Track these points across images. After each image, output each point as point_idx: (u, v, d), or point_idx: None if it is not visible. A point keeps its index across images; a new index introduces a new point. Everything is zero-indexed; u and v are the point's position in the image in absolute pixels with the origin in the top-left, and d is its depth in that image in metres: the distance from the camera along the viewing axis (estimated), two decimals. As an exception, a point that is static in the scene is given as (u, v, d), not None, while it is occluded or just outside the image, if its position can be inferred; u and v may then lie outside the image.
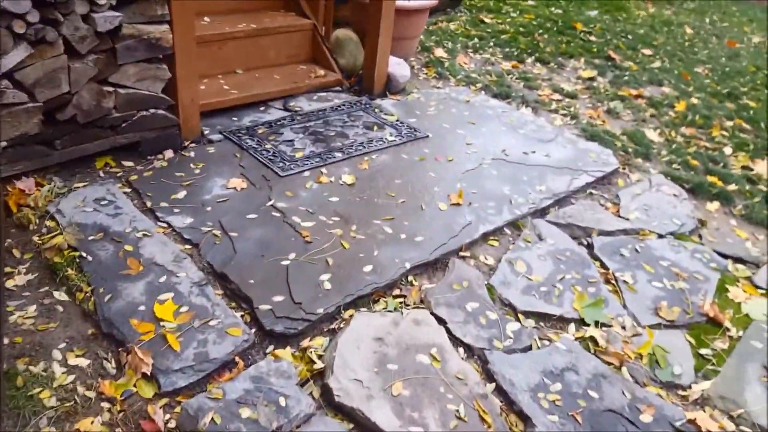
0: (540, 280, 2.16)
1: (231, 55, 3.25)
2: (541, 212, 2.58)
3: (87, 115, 2.31)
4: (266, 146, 2.76)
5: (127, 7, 2.25)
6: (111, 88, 2.35)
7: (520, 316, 2.01)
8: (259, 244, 2.13)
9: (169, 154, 2.64)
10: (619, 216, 2.61)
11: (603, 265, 2.30)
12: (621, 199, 2.74)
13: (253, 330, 1.83)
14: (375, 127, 3.08)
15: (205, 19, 3.27)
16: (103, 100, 2.33)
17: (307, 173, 2.60)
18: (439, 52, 4.25)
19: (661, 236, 2.51)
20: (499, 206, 2.51)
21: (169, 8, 2.37)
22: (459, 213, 2.44)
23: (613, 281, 2.22)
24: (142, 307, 1.83)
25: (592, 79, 4.15)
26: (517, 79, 4.00)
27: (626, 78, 4.21)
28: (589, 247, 2.40)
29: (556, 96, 3.81)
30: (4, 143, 2.17)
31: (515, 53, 4.45)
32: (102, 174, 2.48)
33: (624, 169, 3.04)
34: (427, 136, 3.06)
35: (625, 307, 2.11)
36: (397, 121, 3.19)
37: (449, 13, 5.26)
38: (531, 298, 2.07)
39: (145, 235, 2.13)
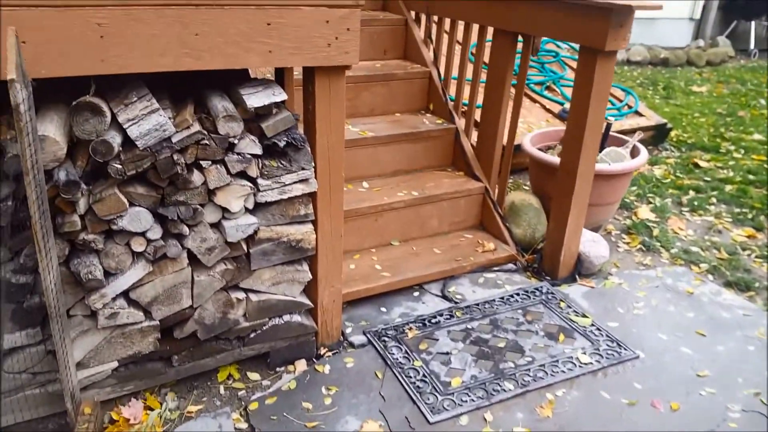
0: None
1: (388, 226, 2.88)
2: None
3: (209, 330, 2.00)
4: (415, 363, 2.23)
5: (266, 209, 1.95)
6: (242, 295, 2.03)
7: None
8: None
9: (301, 366, 2.23)
10: None
11: None
12: None
13: None
14: (561, 336, 2.41)
15: (364, 184, 2.97)
16: (230, 312, 2.01)
17: (464, 419, 1.99)
18: (644, 212, 3.50)
19: None
20: None
21: (314, 207, 2.04)
22: None
23: None
24: None
25: None
26: (757, 257, 3.08)
27: None
28: None
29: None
30: (115, 364, 1.91)
31: (748, 215, 3.53)
32: (222, 391, 2.13)
33: None
34: (637, 357, 2.31)
35: None
36: (592, 325, 2.49)
37: (652, 152, 4.51)
38: None
39: None
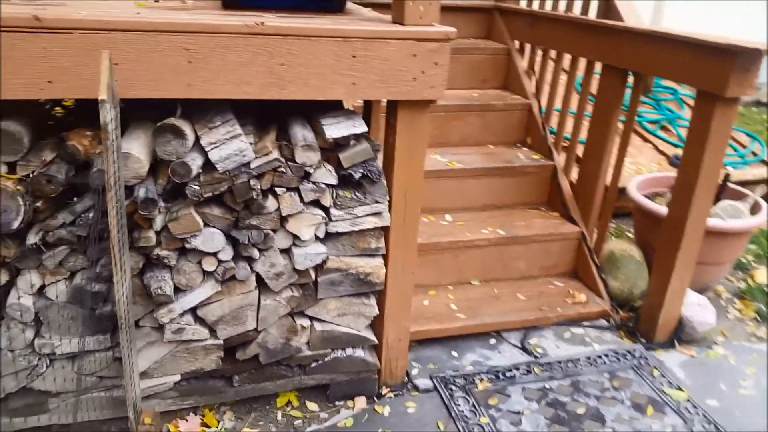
0: None
1: (468, 264, 2.79)
2: None
3: (271, 355, 2.01)
4: (482, 419, 2.12)
5: (336, 239, 1.94)
6: (306, 322, 2.03)
7: None
8: None
9: (360, 403, 2.19)
10: None
11: None
12: None
13: None
14: (649, 409, 2.20)
15: (447, 217, 2.91)
16: (293, 338, 2.01)
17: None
18: (762, 276, 3.14)
19: None
20: None
21: (386, 241, 2.00)
22: None
23: None
24: None
25: None
26: None
27: None
28: None
29: None
30: (177, 377, 1.97)
31: None
32: (280, 417, 2.13)
33: None
34: (738, 448, 2.05)
35: None
36: (687, 400, 2.25)
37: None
38: None
39: None
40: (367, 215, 1.92)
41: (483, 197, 3.02)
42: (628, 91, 2.67)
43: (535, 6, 3.28)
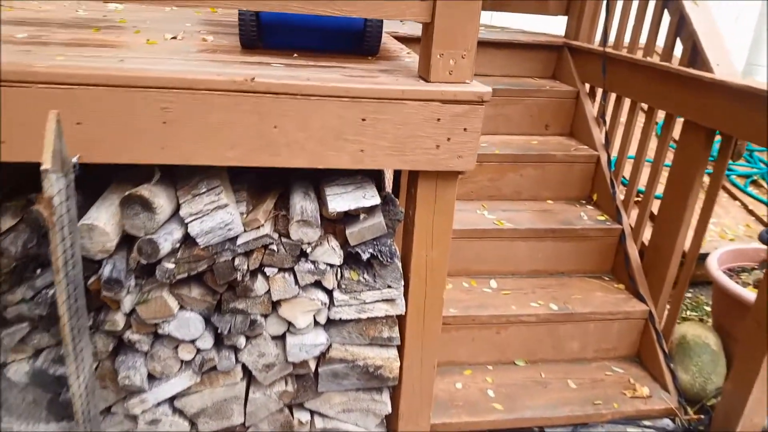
0: None
1: (512, 341, 2.39)
2: None
3: (262, 452, 1.71)
4: None
5: (341, 325, 1.62)
6: (305, 417, 1.71)
7: None
8: None
9: None
10: None
11: None
12: None
13: None
14: None
15: (491, 283, 2.52)
16: (288, 434, 1.71)
17: None
18: None
19: None
20: None
21: (402, 330, 1.66)
22: None
23: None
24: None
25: None
26: None
27: None
28: None
29: None
30: (157, 468, 1.70)
31: None
32: None
33: None
34: None
35: None
36: None
37: None
38: None
39: None
40: (377, 301, 1.59)
41: (535, 262, 2.61)
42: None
43: (610, 44, 2.85)
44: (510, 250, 2.56)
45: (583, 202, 2.84)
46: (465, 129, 1.43)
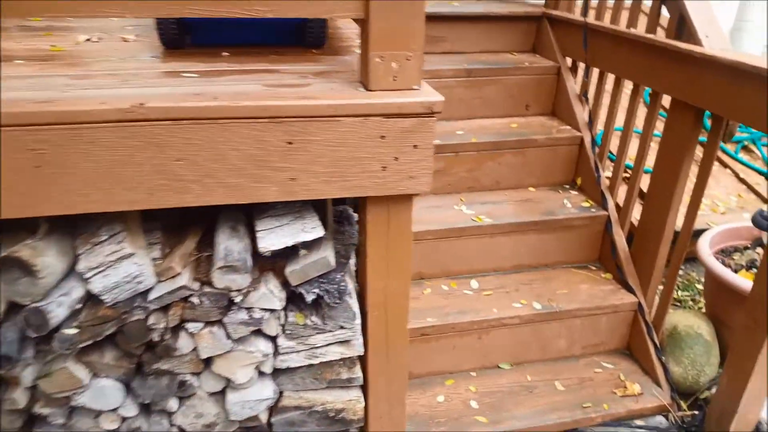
0: None
1: (495, 345, 2.11)
2: None
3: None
4: None
5: (293, 372, 1.33)
6: (262, 467, 1.45)
7: None
8: None
9: None
10: None
11: None
12: None
13: None
14: None
15: (472, 284, 2.23)
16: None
17: None
18: None
19: None
20: None
21: (364, 369, 1.38)
22: None
23: None
24: None
25: None
26: None
27: None
28: None
29: None
30: None
31: None
32: None
33: None
34: None
35: None
36: None
37: None
38: None
39: None
40: (330, 344, 1.30)
41: (518, 257, 2.31)
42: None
43: (591, 14, 2.47)
44: (491, 246, 2.27)
45: (567, 186, 2.53)
46: (415, 146, 1.11)
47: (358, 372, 1.38)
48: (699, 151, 1.95)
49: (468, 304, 2.12)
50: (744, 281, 1.99)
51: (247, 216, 1.31)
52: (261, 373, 1.32)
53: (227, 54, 1.45)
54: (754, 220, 2.12)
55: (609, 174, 2.40)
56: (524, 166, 2.46)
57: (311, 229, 1.20)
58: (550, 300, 2.12)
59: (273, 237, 1.18)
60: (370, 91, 1.11)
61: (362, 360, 1.39)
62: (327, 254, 1.22)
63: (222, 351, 1.21)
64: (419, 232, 2.15)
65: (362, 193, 1.15)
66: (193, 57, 1.38)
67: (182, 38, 1.46)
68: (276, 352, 1.28)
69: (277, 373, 1.33)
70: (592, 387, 2.06)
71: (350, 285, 1.28)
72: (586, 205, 2.36)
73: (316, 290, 1.23)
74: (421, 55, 1.10)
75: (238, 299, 1.18)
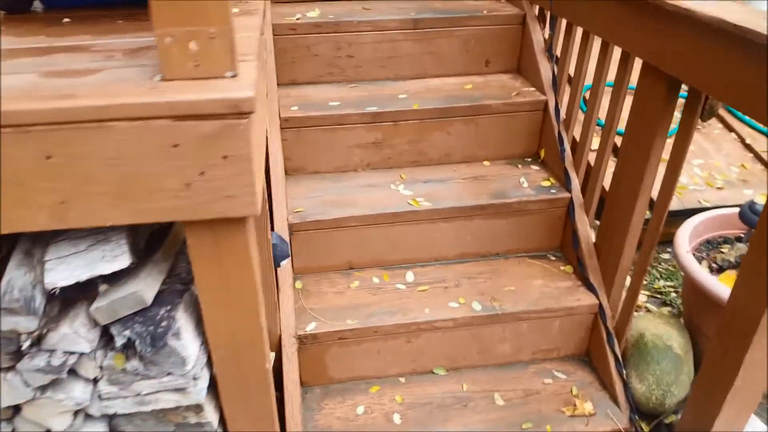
0: None
1: (428, 348, 1.91)
2: None
3: None
4: None
5: (132, 415, 1.14)
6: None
7: None
8: None
9: None
10: None
11: None
12: None
13: None
14: None
15: (407, 277, 2.01)
16: None
17: None
18: None
19: None
20: None
21: (221, 411, 1.18)
22: None
23: None
24: None
25: None
26: None
27: None
28: None
29: None
30: None
31: None
32: None
33: None
34: None
35: None
36: None
37: None
38: None
39: None
40: (159, 392, 1.10)
41: (463, 245, 2.08)
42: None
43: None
44: (431, 233, 2.03)
45: (529, 160, 2.25)
46: (225, 157, 0.86)
47: (209, 417, 1.18)
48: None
49: (398, 301, 1.91)
50: (721, 288, 1.73)
51: (55, 234, 1.08)
52: (89, 416, 1.13)
53: (68, 20, 1.22)
54: (741, 215, 1.84)
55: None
56: (477, 136, 2.19)
57: (113, 258, 0.97)
58: (493, 299, 1.90)
59: (63, 269, 0.96)
60: (167, 81, 0.85)
61: (219, 404, 1.20)
62: (139, 288, 0.99)
63: (24, 399, 1.02)
64: (344, 218, 1.92)
65: (164, 218, 0.90)
66: (23, 25, 1.14)
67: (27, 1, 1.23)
68: (98, 398, 1.09)
69: (112, 415, 1.14)
70: (537, 402, 1.86)
71: (183, 323, 1.06)
72: (546, 184, 2.09)
73: (127, 332, 1.01)
74: (230, 29, 0.83)
75: (26, 344, 0.98)
